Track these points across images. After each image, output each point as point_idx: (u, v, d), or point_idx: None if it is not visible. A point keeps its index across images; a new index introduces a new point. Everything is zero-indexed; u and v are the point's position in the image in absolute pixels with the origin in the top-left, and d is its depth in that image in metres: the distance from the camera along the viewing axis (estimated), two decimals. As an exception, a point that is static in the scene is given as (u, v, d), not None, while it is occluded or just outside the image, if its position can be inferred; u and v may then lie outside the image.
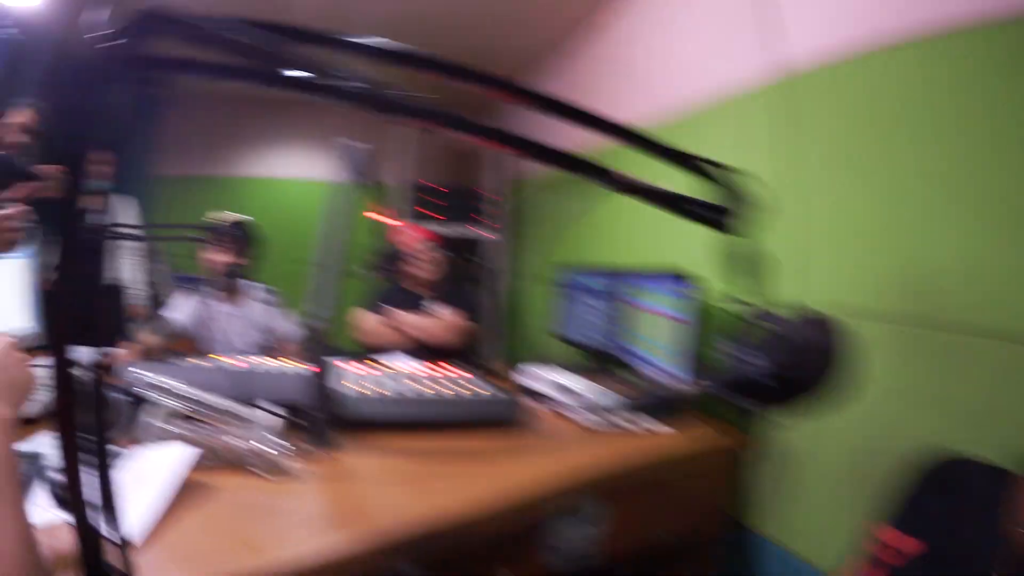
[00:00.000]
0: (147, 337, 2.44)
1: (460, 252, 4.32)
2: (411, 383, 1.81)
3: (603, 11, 3.05)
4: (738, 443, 1.77)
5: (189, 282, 2.79)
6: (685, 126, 2.35)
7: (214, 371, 1.77)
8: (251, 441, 1.29)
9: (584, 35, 3.33)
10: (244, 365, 1.84)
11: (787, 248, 1.70)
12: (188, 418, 1.34)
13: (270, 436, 1.32)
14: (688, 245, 2.12)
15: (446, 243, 3.08)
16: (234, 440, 1.29)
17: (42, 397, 1.33)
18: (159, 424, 1.29)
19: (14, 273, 2.07)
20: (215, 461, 1.29)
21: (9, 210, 1.60)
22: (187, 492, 1.14)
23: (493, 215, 4.46)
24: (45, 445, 1.25)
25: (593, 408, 1.78)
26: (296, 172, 5.42)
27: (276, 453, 1.28)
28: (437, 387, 1.80)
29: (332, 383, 1.47)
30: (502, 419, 1.72)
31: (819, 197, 1.72)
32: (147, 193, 5.02)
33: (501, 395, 1.79)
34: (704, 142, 2.16)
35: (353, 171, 1.57)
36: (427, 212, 4.36)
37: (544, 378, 2.02)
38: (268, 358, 2.02)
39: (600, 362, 2.41)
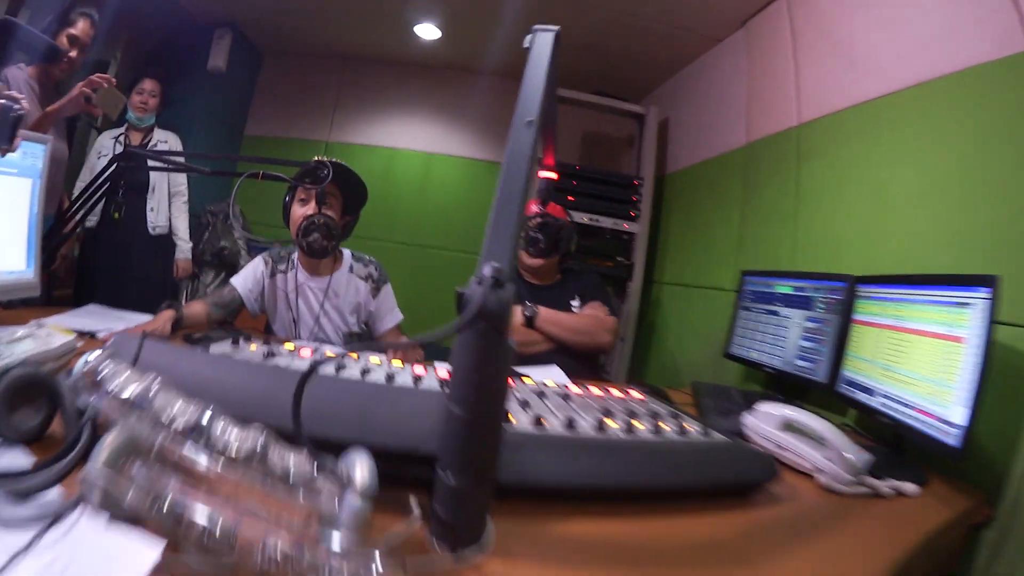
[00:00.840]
0: (196, 306, 1.80)
1: (594, 243, 3.70)
2: (586, 413, 1.12)
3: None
4: (981, 510, 1.31)
5: (269, 248, 2.13)
6: (906, 97, 1.97)
7: (261, 369, 1.03)
8: (308, 533, 0.55)
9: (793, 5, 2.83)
10: (320, 362, 1.13)
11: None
12: (176, 467, 0.61)
13: (349, 522, 0.59)
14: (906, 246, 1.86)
15: (578, 231, 2.36)
16: (269, 527, 0.55)
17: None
18: (106, 479, 0.56)
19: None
20: (216, 571, 0.55)
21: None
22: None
23: (636, 207, 3.77)
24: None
25: (843, 462, 1.16)
26: (403, 143, 4.79)
27: (353, 562, 0.53)
28: (627, 422, 1.09)
29: (501, 415, 0.70)
30: (748, 482, 1.06)
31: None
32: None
33: (739, 442, 1.14)
34: (927, 116, 1.87)
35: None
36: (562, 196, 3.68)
37: (769, 415, 1.34)
38: (364, 353, 1.31)
39: (789, 391, 2.03)
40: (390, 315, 2.04)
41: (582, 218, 3.55)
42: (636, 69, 4.11)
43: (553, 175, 1.78)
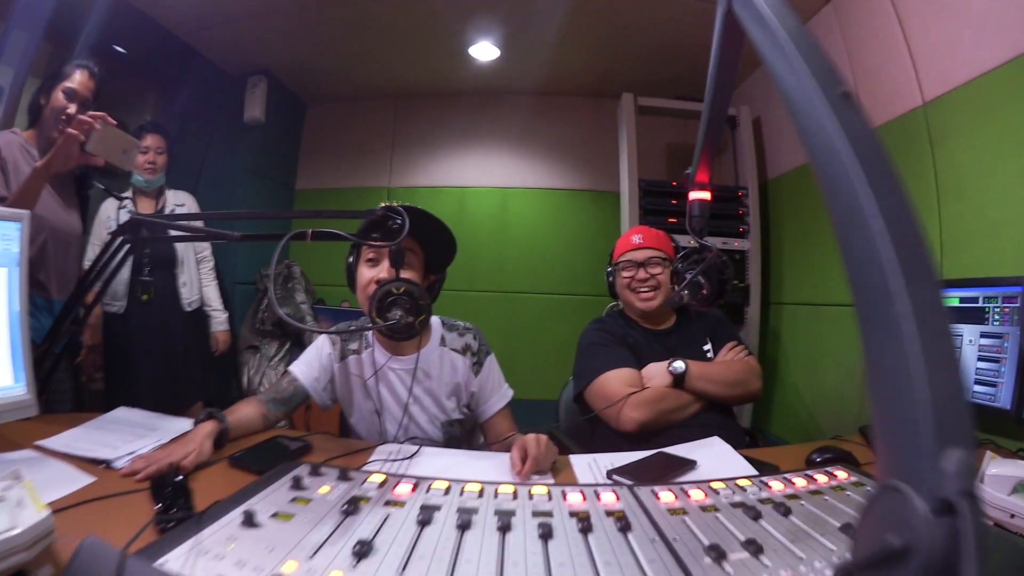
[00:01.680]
0: (246, 408, 1.42)
1: (704, 269, 3.27)
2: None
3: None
4: None
5: (337, 317, 1.72)
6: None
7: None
8: None
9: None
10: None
11: None
12: None
13: None
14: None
15: (683, 257, 1.91)
16: None
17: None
18: None
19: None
20: None
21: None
22: None
23: (743, 221, 3.41)
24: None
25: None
26: (473, 179, 4.40)
27: None
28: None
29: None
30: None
31: None
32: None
33: (999, 531, 0.94)
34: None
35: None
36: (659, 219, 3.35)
37: (1003, 479, 1.03)
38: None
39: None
40: (498, 394, 1.62)
41: (688, 241, 3.09)
42: (715, 66, 3.71)
43: (707, 194, 1.34)
